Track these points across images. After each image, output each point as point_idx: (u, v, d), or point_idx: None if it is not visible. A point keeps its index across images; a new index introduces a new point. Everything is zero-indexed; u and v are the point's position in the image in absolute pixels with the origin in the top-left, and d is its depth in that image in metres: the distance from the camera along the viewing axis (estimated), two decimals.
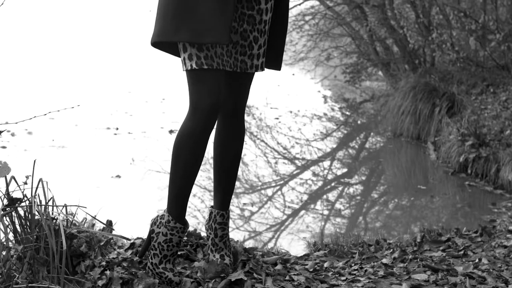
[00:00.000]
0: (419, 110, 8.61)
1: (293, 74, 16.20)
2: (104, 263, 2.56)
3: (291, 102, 12.28)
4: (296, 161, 7.96)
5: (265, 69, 2.58)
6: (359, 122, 11.52)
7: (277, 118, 10.62)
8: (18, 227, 2.60)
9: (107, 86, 13.14)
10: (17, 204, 2.58)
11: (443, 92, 8.63)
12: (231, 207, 4.38)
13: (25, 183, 2.64)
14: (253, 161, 7.70)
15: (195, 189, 5.93)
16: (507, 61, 9.12)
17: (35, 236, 2.56)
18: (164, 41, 2.33)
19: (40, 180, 2.65)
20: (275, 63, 2.60)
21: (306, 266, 2.89)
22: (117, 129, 8.79)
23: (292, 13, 12.63)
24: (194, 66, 2.31)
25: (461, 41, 9.92)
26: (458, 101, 8.41)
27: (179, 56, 2.45)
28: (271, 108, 11.53)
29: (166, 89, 12.83)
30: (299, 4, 12.78)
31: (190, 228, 2.68)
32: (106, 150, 7.66)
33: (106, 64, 17.60)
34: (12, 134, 7.99)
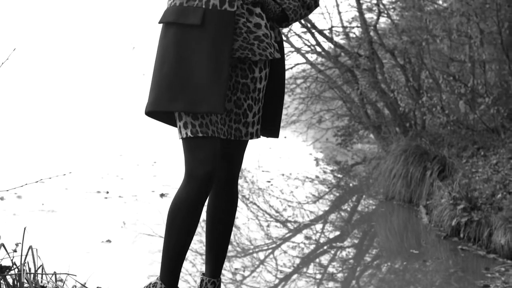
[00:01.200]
0: (411, 173, 8.63)
1: (285, 137, 16.28)
2: None
3: (283, 165, 12.30)
4: (288, 224, 7.92)
5: (262, 136, 2.58)
6: (351, 185, 11.52)
7: (269, 181, 10.61)
8: None
9: (98, 149, 13.15)
10: (6, 272, 2.54)
11: (434, 155, 8.67)
12: (222, 271, 4.33)
13: (15, 250, 2.61)
14: (245, 224, 7.66)
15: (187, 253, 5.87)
16: (497, 124, 9.20)
17: None
18: (159, 110, 2.34)
19: (30, 247, 2.62)
20: (273, 131, 2.60)
21: None
22: (107, 192, 8.75)
23: None
24: (189, 134, 2.32)
25: (451, 105, 10.02)
26: (449, 164, 8.44)
27: (173, 125, 2.46)
28: (263, 171, 11.54)
29: (157, 152, 12.85)
30: (291, 68, 12.95)
31: None
32: (97, 214, 7.61)
33: (99, 127, 17.65)
34: (1, 198, 7.94)
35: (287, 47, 12.35)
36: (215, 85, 2.27)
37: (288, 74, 13.09)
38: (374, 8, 12.00)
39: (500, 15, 9.35)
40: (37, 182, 2.42)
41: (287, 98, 13.29)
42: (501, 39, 9.31)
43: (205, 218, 2.66)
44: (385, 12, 11.75)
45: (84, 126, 17.64)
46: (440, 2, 12.16)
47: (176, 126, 2.40)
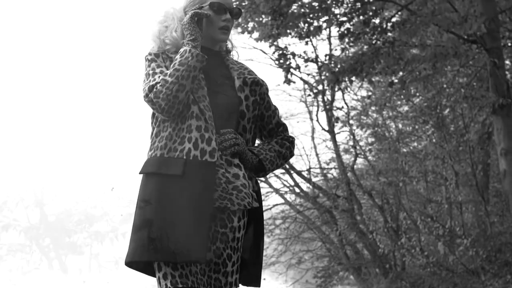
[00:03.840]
0: None
1: (264, 279, 16.02)
2: None
3: None
4: None
5: (243, 285, 2.57)
6: None
7: None
8: None
9: None
10: None
11: None
12: None
13: None
14: None
15: None
16: (477, 266, 9.16)
17: None
18: (140, 260, 2.33)
19: None
20: (254, 279, 2.59)
21: None
22: None
23: None
24: (169, 285, 2.30)
25: (430, 246, 10.00)
26: None
27: (152, 275, 2.44)
28: None
29: None
30: (270, 208, 12.95)
31: None
32: None
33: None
34: None
35: (266, 188, 12.43)
36: (197, 235, 2.28)
37: (267, 215, 13.09)
38: (351, 150, 12.25)
39: (474, 157, 9.58)
40: None
41: (266, 239, 13.20)
42: (476, 180, 9.48)
43: None
44: (362, 154, 11.98)
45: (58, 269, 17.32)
46: (415, 144, 12.47)
47: (155, 277, 2.38)
